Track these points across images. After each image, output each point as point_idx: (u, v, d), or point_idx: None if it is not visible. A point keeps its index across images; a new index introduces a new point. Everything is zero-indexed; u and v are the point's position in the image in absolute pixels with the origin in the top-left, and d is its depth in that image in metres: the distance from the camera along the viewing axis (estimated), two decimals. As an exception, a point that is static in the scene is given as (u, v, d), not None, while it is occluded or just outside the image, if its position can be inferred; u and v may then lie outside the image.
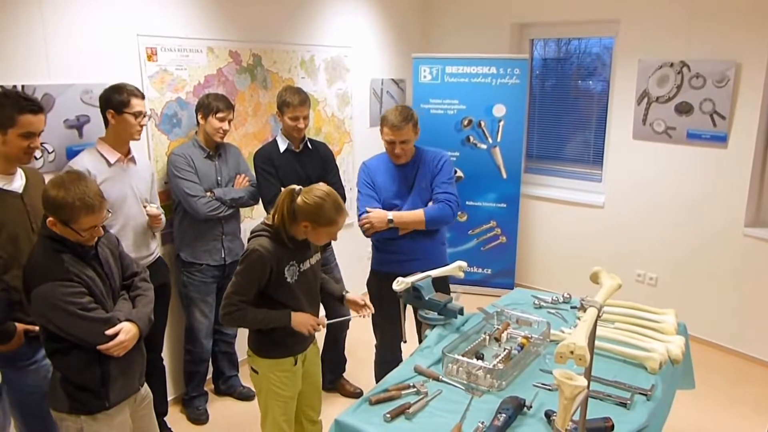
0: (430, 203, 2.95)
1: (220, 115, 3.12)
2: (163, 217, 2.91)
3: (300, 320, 2.28)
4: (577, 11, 4.52)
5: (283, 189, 3.12)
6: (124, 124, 2.70)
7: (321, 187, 2.22)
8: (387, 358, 3.13)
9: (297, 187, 2.21)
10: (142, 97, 2.76)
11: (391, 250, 2.97)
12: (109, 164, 2.71)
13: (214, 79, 3.46)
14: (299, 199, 2.17)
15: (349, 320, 2.48)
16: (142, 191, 2.85)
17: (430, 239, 2.98)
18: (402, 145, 2.87)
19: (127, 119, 2.69)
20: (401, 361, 3.07)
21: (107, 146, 2.73)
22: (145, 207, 2.83)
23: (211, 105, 3.12)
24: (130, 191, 2.78)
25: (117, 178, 2.73)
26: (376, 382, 3.12)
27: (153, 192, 2.97)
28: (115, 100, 2.67)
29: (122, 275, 2.16)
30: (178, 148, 3.15)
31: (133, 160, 2.83)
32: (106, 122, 2.72)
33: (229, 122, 3.19)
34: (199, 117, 3.16)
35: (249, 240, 2.27)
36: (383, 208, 2.93)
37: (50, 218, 1.90)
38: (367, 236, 2.96)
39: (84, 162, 2.65)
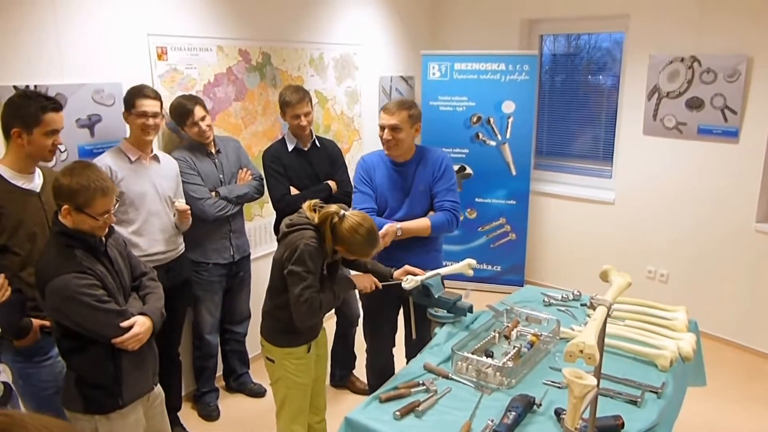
0: (431, 211, 2.85)
1: (197, 117, 3.03)
2: (190, 213, 2.92)
3: (362, 281, 2.47)
4: (587, 6, 4.49)
5: (293, 189, 3.18)
6: (132, 124, 2.76)
7: (356, 218, 2.23)
8: (379, 363, 3.11)
9: (341, 211, 2.24)
10: (152, 97, 2.77)
11: (384, 258, 2.78)
12: (130, 161, 2.77)
13: (223, 78, 3.48)
14: (342, 224, 2.21)
15: (398, 283, 2.58)
16: (166, 189, 2.88)
17: (423, 247, 2.85)
18: (392, 132, 2.73)
19: (134, 119, 2.74)
20: (393, 367, 3.11)
21: (129, 145, 2.79)
22: (173, 203, 2.87)
23: (185, 111, 3.03)
24: (151, 188, 2.81)
25: (137, 175, 2.78)
26: (369, 387, 3.21)
27: (180, 190, 2.98)
28: (126, 102, 2.75)
29: (131, 276, 2.18)
30: (177, 152, 3.11)
31: (156, 158, 2.87)
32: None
33: (207, 118, 3.10)
34: (180, 128, 3.13)
35: (287, 234, 2.28)
36: (377, 208, 2.85)
37: (65, 206, 1.92)
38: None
39: (106, 160, 2.73)
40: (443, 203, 2.82)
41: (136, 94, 2.74)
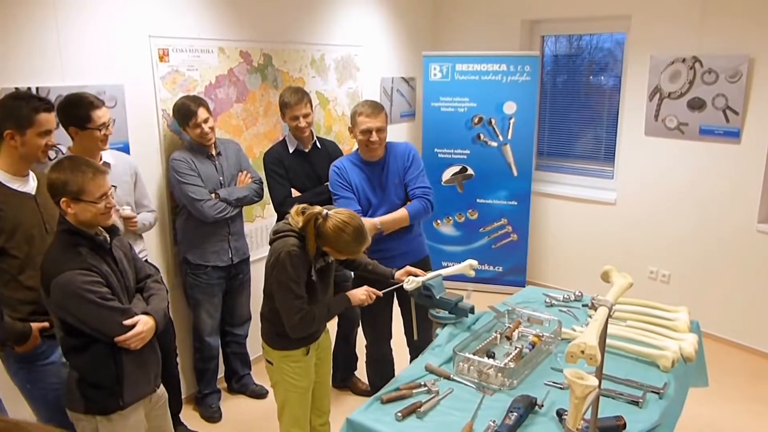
0: (408, 200, 2.97)
1: (200, 119, 3.02)
2: (139, 219, 2.78)
3: (357, 297, 2.43)
4: (589, 7, 4.49)
5: (294, 190, 3.18)
6: (88, 138, 2.55)
7: (341, 216, 2.19)
8: (378, 356, 3.21)
9: (324, 211, 2.21)
10: (102, 105, 2.56)
11: (375, 250, 2.82)
12: None
13: (225, 80, 3.48)
14: (326, 224, 2.18)
15: (398, 287, 2.61)
16: (117, 195, 2.64)
17: (409, 234, 2.98)
18: (378, 133, 2.85)
19: (92, 134, 2.54)
20: (392, 359, 3.22)
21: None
22: (117, 210, 2.68)
23: (188, 112, 3.00)
24: None
25: None
26: (369, 381, 3.35)
27: (139, 192, 2.87)
28: (78, 117, 2.51)
29: (135, 278, 2.18)
30: (178, 153, 3.10)
31: (106, 165, 2.62)
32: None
33: (211, 120, 3.07)
34: (182, 128, 3.12)
35: (273, 241, 2.28)
36: (361, 208, 2.90)
37: (63, 200, 1.92)
38: None
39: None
40: (415, 191, 2.96)
41: (87, 106, 2.49)
